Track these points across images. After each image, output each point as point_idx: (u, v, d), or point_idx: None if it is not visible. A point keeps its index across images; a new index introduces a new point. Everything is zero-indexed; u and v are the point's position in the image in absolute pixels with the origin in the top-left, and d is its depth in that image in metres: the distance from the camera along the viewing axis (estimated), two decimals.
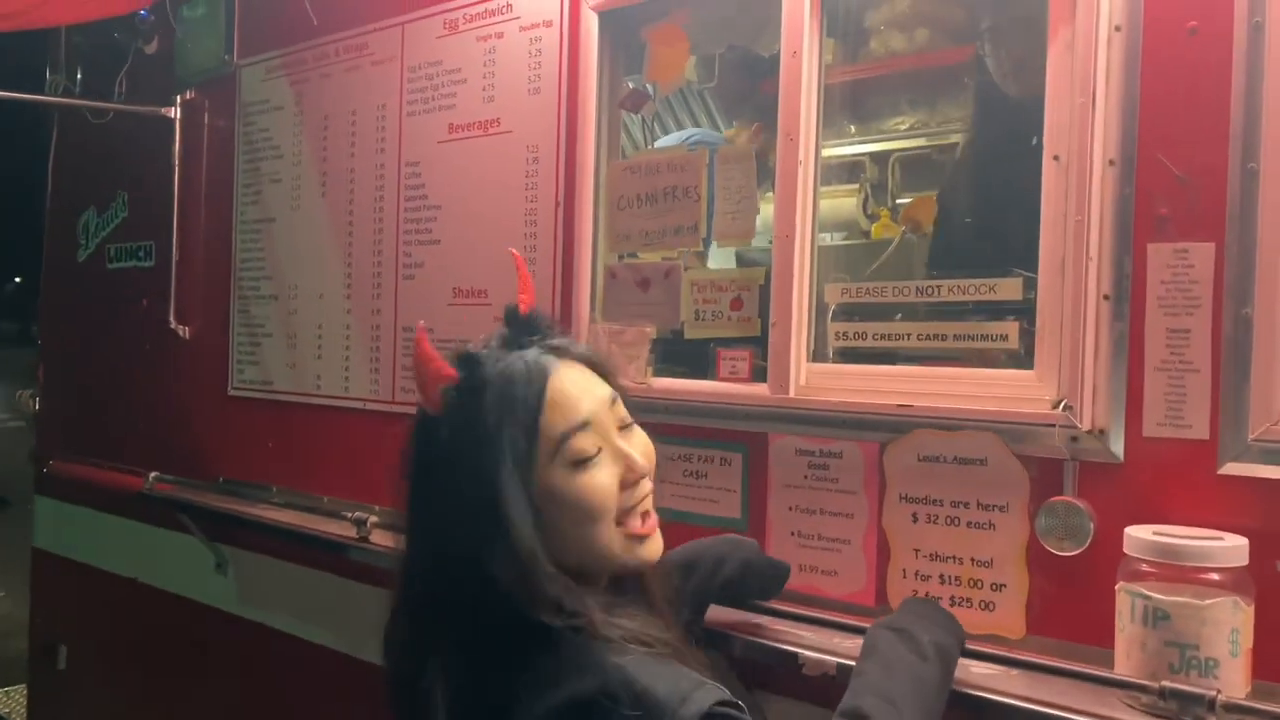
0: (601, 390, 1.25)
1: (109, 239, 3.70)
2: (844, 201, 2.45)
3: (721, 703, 1.06)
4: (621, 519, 1.22)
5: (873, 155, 2.42)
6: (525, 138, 2.36)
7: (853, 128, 2.47)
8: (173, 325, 3.32)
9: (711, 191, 2.05)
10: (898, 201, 2.38)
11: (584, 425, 1.19)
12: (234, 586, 3.10)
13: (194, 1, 3.28)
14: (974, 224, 2.07)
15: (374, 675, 1.31)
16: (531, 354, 1.22)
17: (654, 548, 1.25)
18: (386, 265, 2.70)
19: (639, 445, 1.26)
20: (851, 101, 2.39)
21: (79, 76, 3.78)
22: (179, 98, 3.32)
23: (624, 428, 1.26)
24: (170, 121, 3.32)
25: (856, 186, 2.44)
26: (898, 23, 2.25)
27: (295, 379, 2.94)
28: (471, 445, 1.16)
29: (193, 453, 3.23)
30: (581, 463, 1.19)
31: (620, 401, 1.27)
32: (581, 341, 1.36)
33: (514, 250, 1.39)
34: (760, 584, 1.77)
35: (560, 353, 1.24)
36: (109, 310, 3.70)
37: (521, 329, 1.27)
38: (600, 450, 1.21)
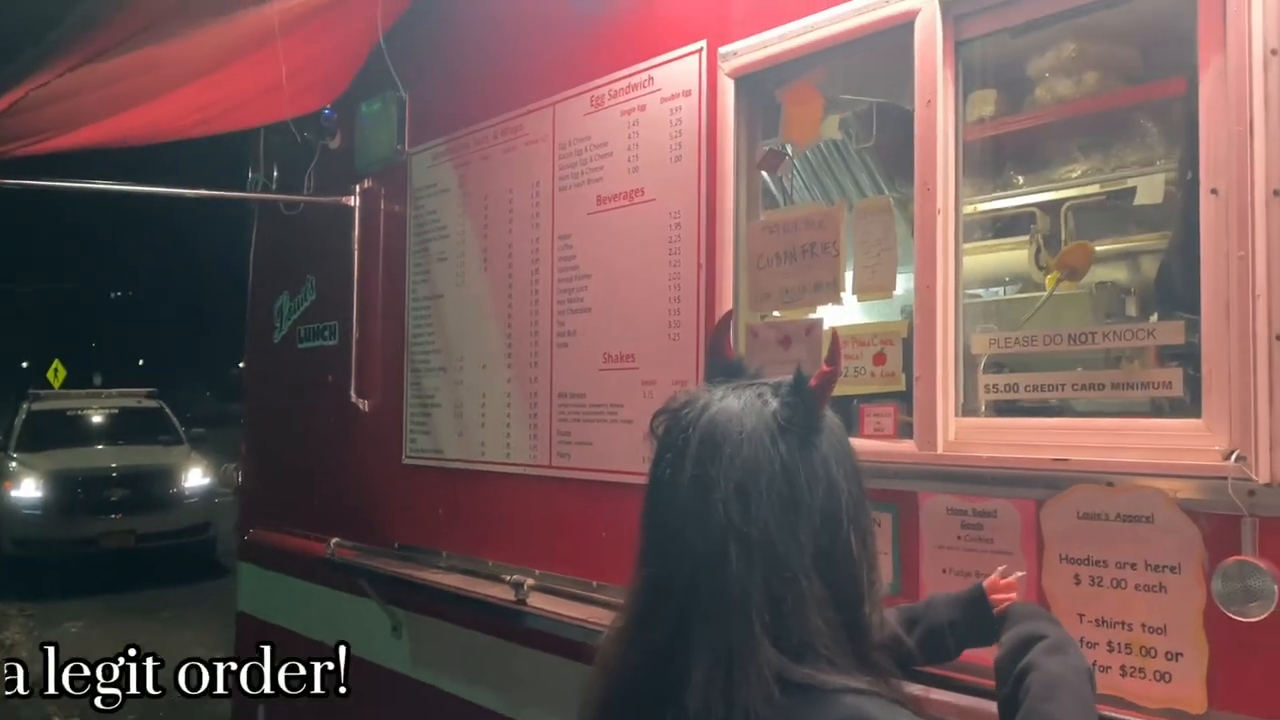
0: None
1: (299, 320, 4.00)
2: (1015, 254, 2.36)
3: None
4: None
5: (1042, 205, 2.33)
6: (668, 204, 2.41)
7: (1020, 179, 2.40)
8: (353, 399, 3.54)
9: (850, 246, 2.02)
10: None
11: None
12: (408, 648, 3.22)
13: (371, 98, 3.54)
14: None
15: None
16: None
17: None
18: (542, 334, 2.79)
19: None
20: (1019, 152, 2.33)
21: (274, 173, 4.14)
22: (357, 187, 3.58)
23: None
24: (350, 209, 3.58)
25: (1027, 238, 2.35)
26: (1064, 68, 2.18)
27: (462, 447, 3.07)
28: (839, 466, 1.15)
29: (372, 520, 3.40)
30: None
31: None
32: None
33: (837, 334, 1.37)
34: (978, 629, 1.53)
35: None
36: (299, 387, 3.98)
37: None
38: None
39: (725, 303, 2.23)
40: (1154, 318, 1.86)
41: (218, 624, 6.88)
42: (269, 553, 3.98)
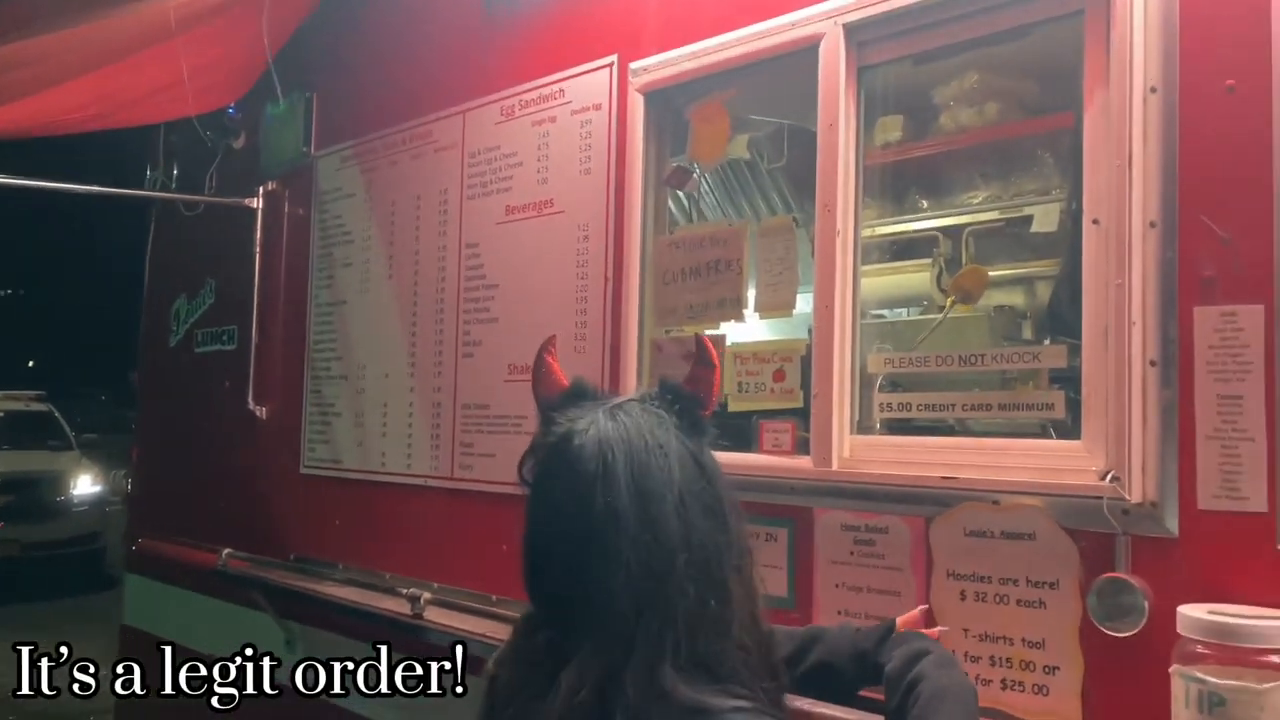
0: None
1: (197, 324, 3.88)
2: (919, 276, 2.42)
3: None
4: None
5: (945, 230, 2.39)
6: (577, 217, 2.41)
7: (924, 203, 2.46)
8: (251, 406, 3.44)
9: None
10: None
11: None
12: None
13: (278, 99, 3.46)
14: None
15: None
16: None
17: None
18: (447, 344, 2.76)
19: None
20: (923, 177, 2.39)
21: (174, 172, 4.02)
22: (261, 189, 3.49)
23: None
24: (253, 211, 3.49)
25: (930, 261, 2.40)
26: (966, 97, 2.25)
27: (362, 457, 3.01)
28: (714, 478, 1.15)
29: (266, 530, 3.31)
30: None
31: None
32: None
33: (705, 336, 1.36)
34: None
35: None
36: (195, 393, 3.86)
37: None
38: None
39: (631, 317, 2.24)
40: (1046, 341, 1.92)
41: (103, 639, 6.62)
42: (158, 563, 3.83)
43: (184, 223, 3.86)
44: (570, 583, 1.10)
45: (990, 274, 2.11)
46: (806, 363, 1.94)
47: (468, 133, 2.75)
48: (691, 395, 1.18)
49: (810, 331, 2.08)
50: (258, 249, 3.48)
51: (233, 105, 3.55)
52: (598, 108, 2.38)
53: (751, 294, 2.10)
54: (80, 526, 9.97)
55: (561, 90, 2.48)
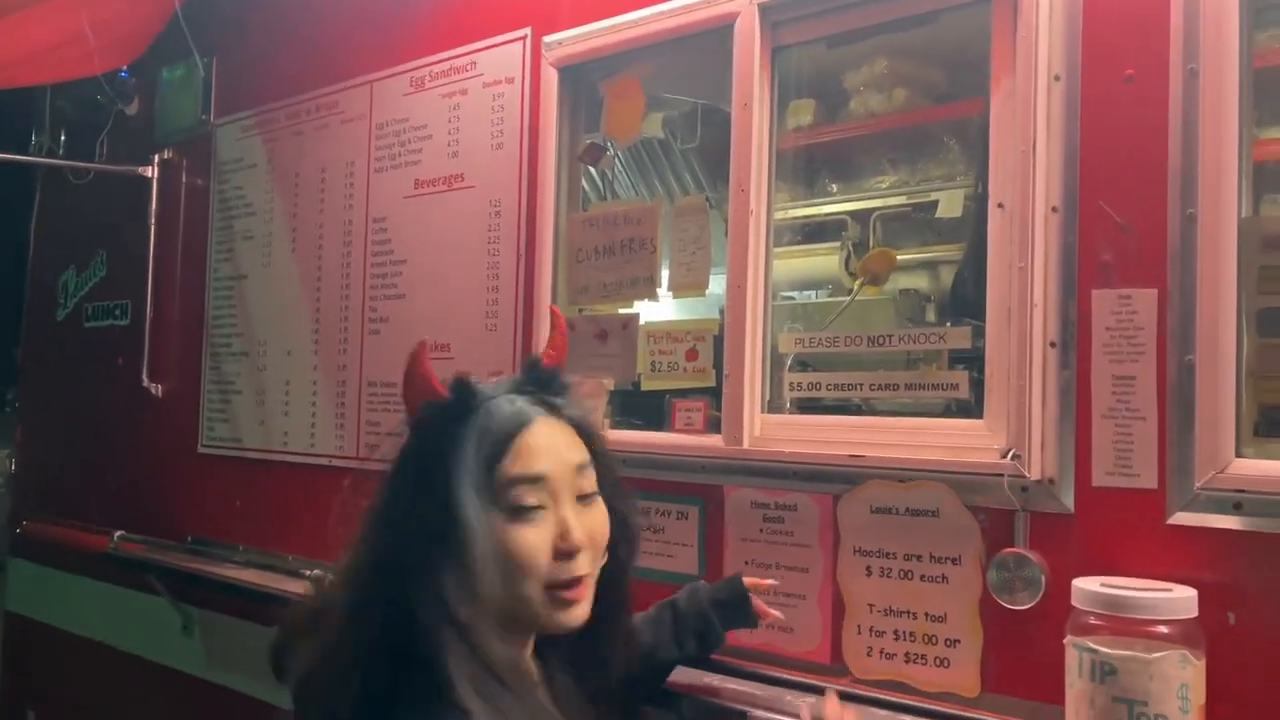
0: (572, 455, 1.21)
1: (87, 298, 3.71)
2: (828, 259, 2.45)
3: None
4: (549, 582, 1.19)
5: (853, 213, 2.42)
6: (488, 192, 2.37)
7: (834, 186, 2.49)
8: (145, 383, 3.31)
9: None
10: None
11: (536, 479, 1.17)
12: (200, 649, 3.04)
13: (174, 63, 3.32)
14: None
15: None
16: (523, 401, 1.22)
17: (575, 614, 1.20)
18: (353, 320, 2.70)
19: (588, 519, 1.21)
20: (833, 161, 2.41)
21: (63, 138, 3.82)
22: (156, 157, 3.35)
23: (583, 499, 1.22)
24: (148, 181, 3.34)
25: (839, 244, 2.43)
26: (876, 83, 2.28)
27: (263, 436, 2.92)
28: (439, 463, 1.16)
29: (162, 512, 3.19)
30: (518, 512, 1.16)
31: (590, 473, 1.23)
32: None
33: (555, 306, 1.39)
34: (730, 615, 1.67)
35: (552, 409, 1.23)
36: (85, 369, 3.69)
37: (532, 378, 1.26)
38: (542, 509, 1.18)
39: (544, 295, 2.21)
40: (948, 324, 1.97)
41: None
42: (45, 547, 3.67)
43: (73, 192, 3.68)
44: None
45: (897, 257, 2.15)
46: (719, 342, 1.94)
47: (375, 104, 2.68)
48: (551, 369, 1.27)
49: (721, 311, 2.10)
50: (153, 220, 3.34)
51: (125, 69, 3.39)
52: (510, 81, 2.34)
53: (665, 273, 2.09)
54: None
55: (473, 63, 2.43)
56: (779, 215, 2.05)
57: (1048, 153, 1.56)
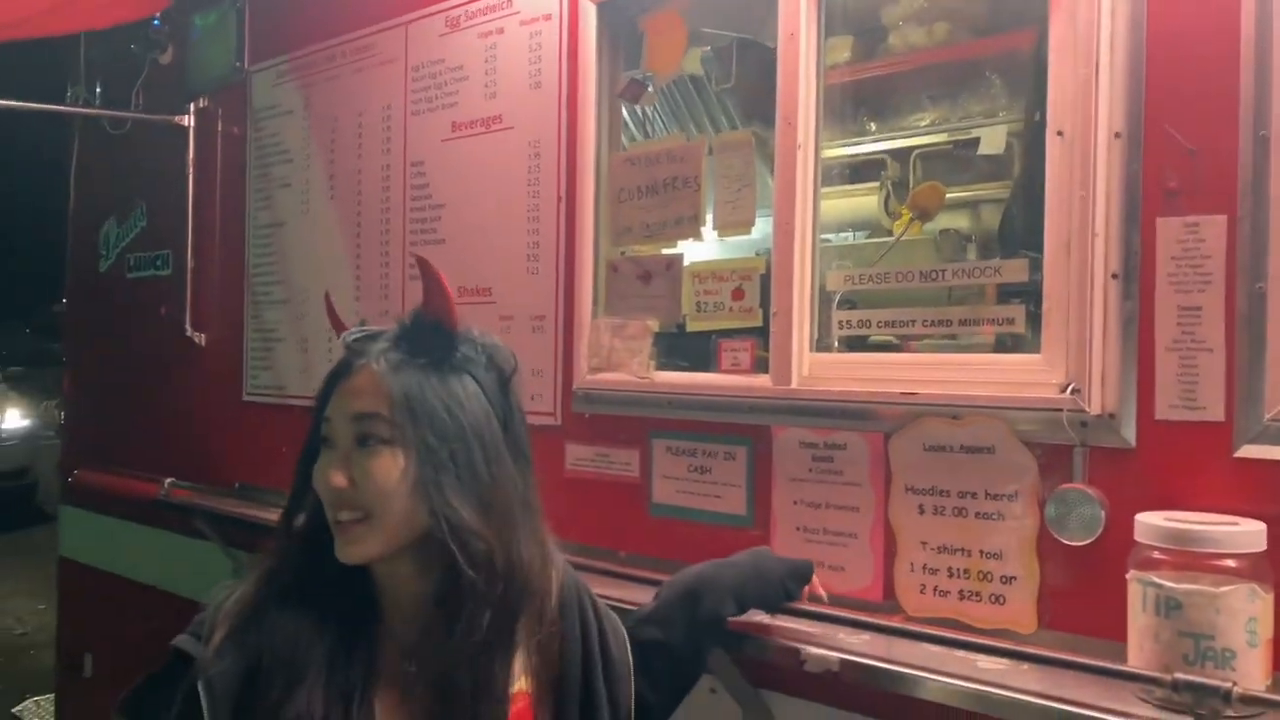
0: (360, 403, 1.20)
1: (129, 249, 3.73)
2: (866, 200, 2.40)
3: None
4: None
5: (892, 152, 2.36)
6: (527, 133, 2.34)
7: (873, 125, 2.43)
8: (189, 332, 3.33)
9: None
10: None
11: (324, 418, 1.24)
12: None
13: (206, 10, 3.29)
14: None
15: None
16: (353, 350, 1.25)
17: (344, 552, 1.20)
18: (394, 266, 2.69)
19: (353, 466, 1.19)
20: (872, 99, 2.35)
21: (98, 89, 3.81)
22: (192, 105, 3.34)
23: (362, 444, 1.19)
24: (184, 129, 3.34)
25: (878, 184, 2.38)
26: (916, 17, 2.21)
27: (306, 383, 2.93)
28: None
29: (209, 459, 3.23)
30: (321, 441, 1.24)
31: (375, 423, 1.19)
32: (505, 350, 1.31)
33: (419, 255, 1.37)
34: (779, 593, 1.65)
35: (369, 358, 1.22)
36: (129, 319, 3.72)
37: (407, 330, 1.26)
38: (324, 446, 1.23)
39: (585, 236, 2.19)
40: (1000, 259, 1.93)
41: (40, 574, 6.50)
42: (95, 494, 3.73)
43: (110, 143, 3.68)
44: None
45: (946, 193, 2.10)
46: (766, 281, 1.91)
47: (411, 45, 2.64)
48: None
49: (757, 253, 2.07)
50: (190, 169, 3.34)
51: (157, 17, 3.37)
52: (548, 18, 2.29)
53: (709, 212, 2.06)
54: (10, 461, 9.71)
55: (509, 0, 2.38)
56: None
57: (1111, 76, 1.51)
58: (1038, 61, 2.05)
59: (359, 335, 1.28)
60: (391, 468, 1.19)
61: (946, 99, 2.37)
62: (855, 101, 2.36)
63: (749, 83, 2.36)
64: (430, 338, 1.24)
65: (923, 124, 2.38)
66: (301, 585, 1.23)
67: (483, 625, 1.18)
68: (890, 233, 2.25)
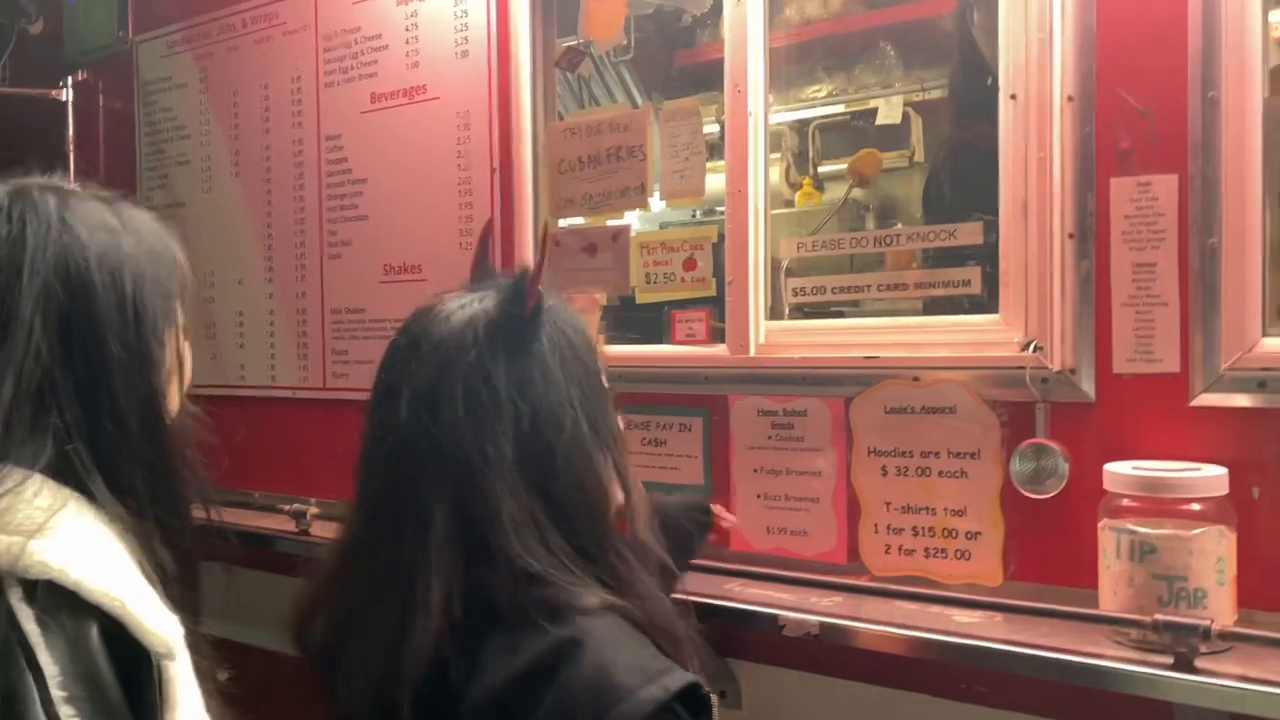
0: None
1: None
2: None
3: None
4: None
5: (791, 124, 2.37)
6: (454, 104, 2.26)
7: (770, 97, 2.43)
8: None
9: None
10: (818, 169, 2.33)
11: None
12: None
13: None
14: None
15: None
16: None
17: None
18: (310, 245, 2.57)
19: None
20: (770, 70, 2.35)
21: None
22: (71, 79, 3.11)
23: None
24: (62, 105, 3.11)
25: (779, 156, 2.39)
26: None
27: (217, 371, 2.78)
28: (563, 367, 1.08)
29: None
30: None
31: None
32: None
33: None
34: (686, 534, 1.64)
35: None
36: None
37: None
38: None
39: (524, 209, 2.13)
40: (898, 225, 1.97)
41: None
42: None
43: None
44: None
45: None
46: (719, 250, 1.90)
47: (321, 13, 2.52)
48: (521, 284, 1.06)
49: (703, 219, 2.05)
50: (70, 147, 3.12)
51: None
52: None
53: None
54: None
55: None
56: (710, 128, 2.00)
57: (1063, 40, 1.54)
58: (961, 27, 2.11)
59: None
60: None
61: (841, 70, 2.40)
62: None
63: (647, 54, 2.34)
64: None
65: (820, 96, 2.41)
66: None
67: None
68: (793, 203, 2.27)
